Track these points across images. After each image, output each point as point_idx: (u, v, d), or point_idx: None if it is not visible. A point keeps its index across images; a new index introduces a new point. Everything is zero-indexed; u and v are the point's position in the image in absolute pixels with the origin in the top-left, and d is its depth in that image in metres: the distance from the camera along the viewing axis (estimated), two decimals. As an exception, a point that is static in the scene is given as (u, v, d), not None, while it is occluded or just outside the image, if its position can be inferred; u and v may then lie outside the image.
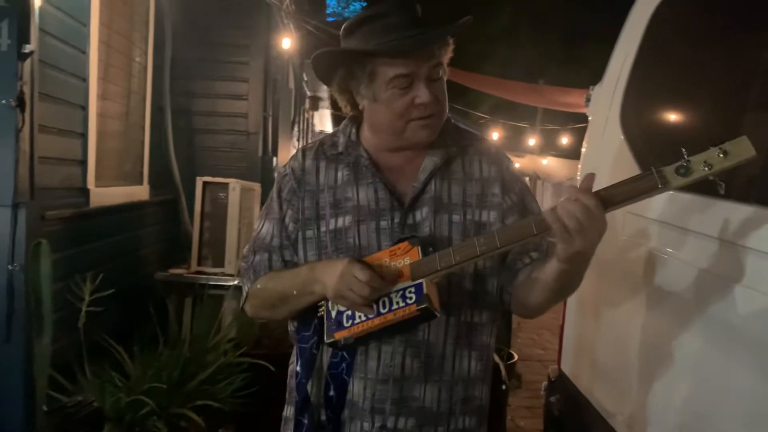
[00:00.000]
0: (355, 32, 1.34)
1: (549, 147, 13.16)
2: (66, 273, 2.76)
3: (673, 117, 1.98)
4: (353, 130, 1.45)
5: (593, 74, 2.48)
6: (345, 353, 1.32)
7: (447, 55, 1.35)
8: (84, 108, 3.18)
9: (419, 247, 1.24)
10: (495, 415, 4.29)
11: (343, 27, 1.37)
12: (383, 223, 1.35)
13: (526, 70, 14.64)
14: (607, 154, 2.07)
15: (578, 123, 10.33)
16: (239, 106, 4.81)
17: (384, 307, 1.22)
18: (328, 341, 1.27)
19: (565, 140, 12.44)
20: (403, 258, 1.24)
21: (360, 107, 1.40)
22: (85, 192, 3.21)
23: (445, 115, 1.38)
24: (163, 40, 4.33)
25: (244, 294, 1.45)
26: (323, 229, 1.38)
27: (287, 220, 1.42)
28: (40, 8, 2.52)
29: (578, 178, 2.33)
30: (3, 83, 2.22)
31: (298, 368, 1.38)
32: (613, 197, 1.11)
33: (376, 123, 1.38)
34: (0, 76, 2.22)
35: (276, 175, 1.51)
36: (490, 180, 1.42)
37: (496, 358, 3.98)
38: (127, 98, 3.95)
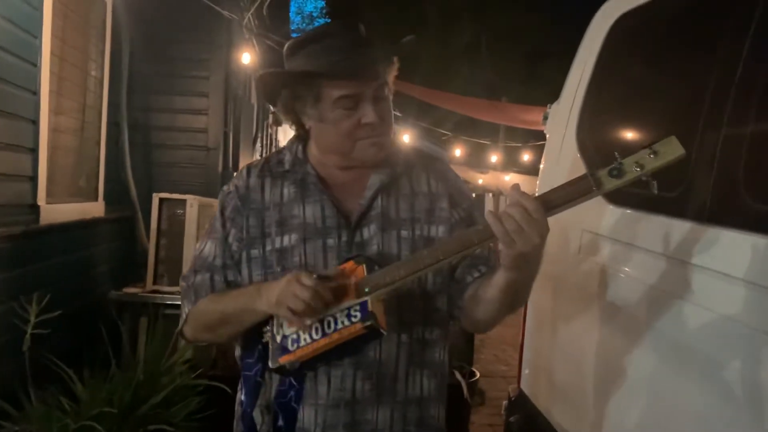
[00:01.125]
0: (298, 53, 1.33)
1: (511, 164, 13.32)
2: (12, 294, 2.66)
3: (628, 135, 2.00)
4: (300, 148, 1.43)
5: (555, 92, 2.51)
6: (293, 380, 1.28)
7: (392, 75, 1.35)
8: (35, 122, 3.08)
9: (364, 266, 1.22)
10: (458, 434, 4.21)
11: (286, 47, 1.36)
12: (330, 241, 1.33)
13: (489, 87, 14.85)
14: (563, 171, 2.08)
15: (539, 140, 10.49)
16: (199, 121, 4.73)
17: (329, 327, 1.19)
18: (274, 367, 1.23)
19: (526, 157, 12.61)
20: (349, 277, 1.22)
21: (306, 127, 1.38)
22: (35, 209, 3.10)
23: (391, 133, 1.38)
24: (120, 53, 4.24)
25: (184, 316, 1.40)
26: (269, 247, 1.35)
27: (231, 239, 1.38)
28: (-13, 19, 2.45)
29: (536, 193, 2.34)
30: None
31: (243, 397, 1.34)
32: (551, 201, 1.12)
33: (324, 143, 1.37)
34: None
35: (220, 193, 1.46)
36: (438, 195, 1.41)
37: (458, 376, 3.96)
38: (81, 113, 3.84)
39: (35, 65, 3.05)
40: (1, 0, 2.67)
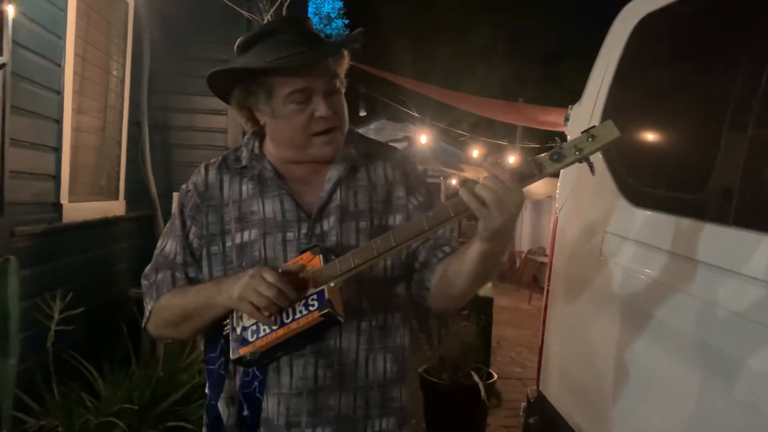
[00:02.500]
0: (249, 50, 1.34)
1: (529, 165, 13.22)
2: (35, 290, 2.69)
3: (650, 135, 1.99)
4: (256, 144, 1.43)
5: (571, 93, 2.50)
6: (256, 371, 1.30)
7: (343, 68, 1.36)
8: (58, 122, 3.12)
9: (321, 256, 1.25)
10: (474, 435, 4.20)
11: (236, 44, 1.37)
12: (290, 235, 1.34)
13: (505, 88, 14.80)
14: (586, 173, 2.07)
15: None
16: (218, 121, 4.77)
17: (288, 317, 1.21)
18: (234, 358, 1.25)
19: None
20: (306, 268, 1.24)
21: (261, 123, 1.39)
22: (57, 207, 3.14)
23: (346, 126, 1.38)
24: (141, 53, 4.29)
25: (147, 313, 1.41)
26: (229, 244, 1.36)
27: (191, 236, 1.40)
28: (14, 20, 2.49)
29: (557, 195, 2.33)
30: (-27, 96, 2.18)
31: (207, 390, 1.36)
32: None
33: (279, 138, 1.38)
34: (-30, 89, 2.17)
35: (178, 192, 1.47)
36: (394, 184, 1.43)
37: (475, 377, 3.95)
38: (103, 112, 3.89)
39: (59, 65, 3.10)
40: (28, 1, 2.71)
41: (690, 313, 1.47)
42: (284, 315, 1.21)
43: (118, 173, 4.09)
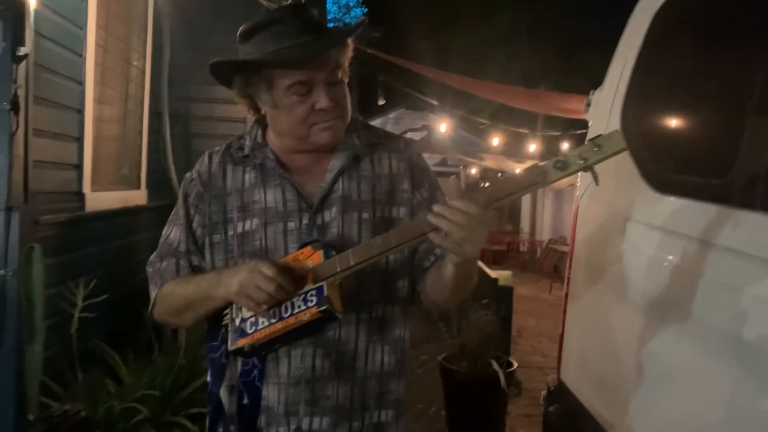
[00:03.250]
0: (249, 39, 1.32)
1: (550, 153, 13.14)
2: (59, 278, 2.74)
3: (673, 122, 1.95)
4: (259, 132, 1.42)
5: (593, 81, 2.46)
6: (255, 360, 1.30)
7: (346, 57, 1.34)
8: (80, 112, 3.16)
9: (321, 251, 1.24)
10: (494, 424, 4.23)
11: (239, 32, 1.35)
12: (291, 225, 1.34)
13: (526, 76, 14.66)
14: (608, 160, 2.04)
15: (579, 129, 10.32)
16: (237, 111, 4.77)
17: (286, 312, 1.21)
18: (232, 349, 1.26)
19: (565, 146, 12.40)
20: (306, 262, 1.24)
21: (262, 112, 1.38)
22: (80, 196, 3.19)
23: (348, 116, 1.37)
24: (161, 44, 4.31)
25: (152, 300, 1.42)
26: (231, 233, 1.36)
27: (194, 225, 1.40)
28: (36, 11, 2.51)
29: (578, 183, 2.30)
30: (-3, 86, 2.20)
31: (209, 378, 1.37)
32: (498, 192, 1.14)
33: (279, 128, 1.37)
34: (-6, 79, 2.20)
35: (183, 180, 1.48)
36: (399, 176, 1.41)
37: (495, 366, 3.95)
38: (124, 102, 3.93)
39: (81, 56, 3.13)
40: (49, -8, 2.73)
41: (714, 301, 1.45)
42: (283, 309, 1.21)
43: (139, 163, 4.14)
